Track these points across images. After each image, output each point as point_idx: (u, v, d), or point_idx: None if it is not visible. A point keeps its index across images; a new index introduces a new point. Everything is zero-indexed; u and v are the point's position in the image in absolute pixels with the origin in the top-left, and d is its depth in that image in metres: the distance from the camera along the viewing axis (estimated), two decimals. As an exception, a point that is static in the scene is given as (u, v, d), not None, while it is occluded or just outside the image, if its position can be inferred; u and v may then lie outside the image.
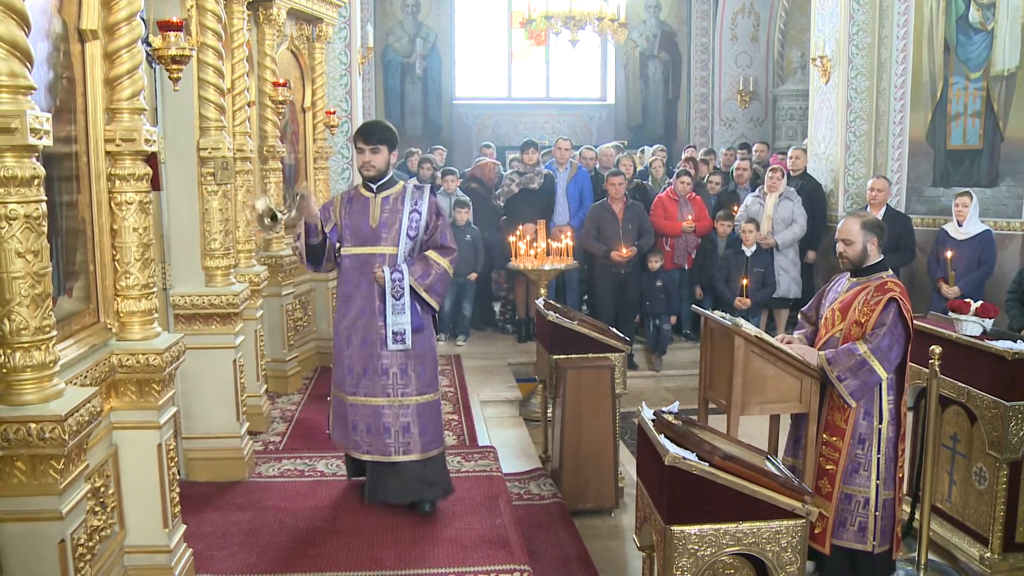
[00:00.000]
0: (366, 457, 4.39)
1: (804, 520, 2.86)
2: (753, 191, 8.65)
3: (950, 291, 6.77)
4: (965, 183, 7.56)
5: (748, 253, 7.95)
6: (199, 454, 4.87)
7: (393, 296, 4.23)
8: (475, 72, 14.64)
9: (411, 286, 4.25)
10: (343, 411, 4.43)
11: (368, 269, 4.29)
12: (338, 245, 4.40)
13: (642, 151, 11.47)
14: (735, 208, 8.58)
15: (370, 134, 4.31)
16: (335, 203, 4.46)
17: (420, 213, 4.33)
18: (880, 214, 7.39)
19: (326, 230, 4.34)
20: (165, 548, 3.51)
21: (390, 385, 4.32)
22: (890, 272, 4.05)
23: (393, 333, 4.26)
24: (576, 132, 14.06)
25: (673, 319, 8.58)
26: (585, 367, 4.99)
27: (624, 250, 7.85)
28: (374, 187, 4.36)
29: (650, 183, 9.49)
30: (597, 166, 9.46)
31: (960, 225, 7.03)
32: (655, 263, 8.16)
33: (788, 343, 4.11)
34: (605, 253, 7.92)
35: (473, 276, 8.43)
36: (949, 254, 6.60)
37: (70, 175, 3.14)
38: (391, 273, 4.23)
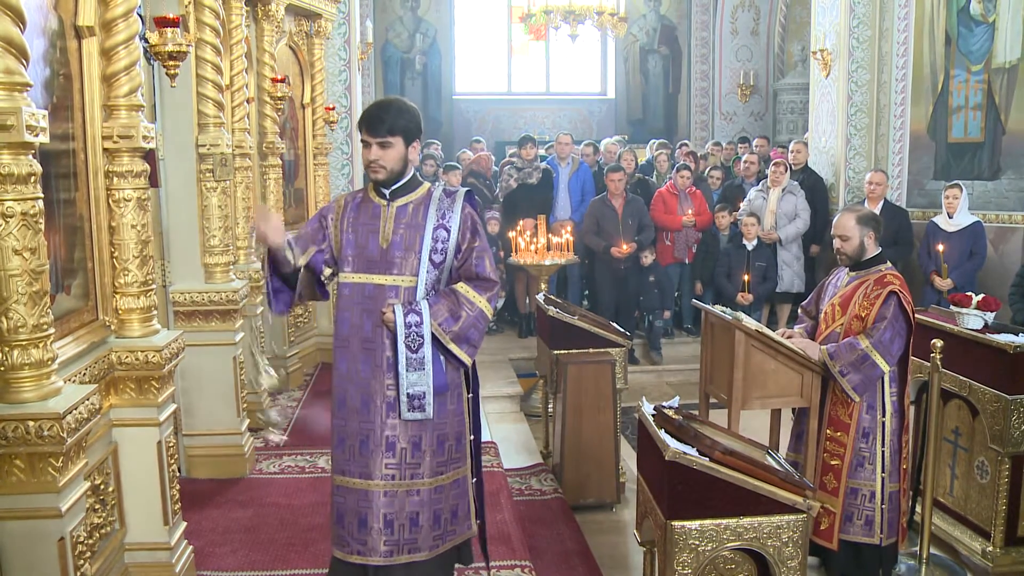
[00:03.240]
0: (354, 559, 3.20)
1: (805, 515, 2.85)
2: (758, 185, 8.64)
3: (943, 284, 6.78)
4: (966, 176, 7.55)
5: (749, 247, 7.93)
6: (200, 451, 4.87)
7: (408, 347, 3.06)
8: (475, 67, 14.60)
9: (433, 334, 3.09)
10: (333, 492, 3.33)
11: (374, 306, 3.13)
12: (327, 272, 3.29)
13: (653, 143, 11.32)
14: (739, 202, 8.57)
15: (377, 122, 3.08)
16: (335, 210, 3.27)
17: (449, 230, 3.15)
18: (878, 208, 7.38)
19: (297, 262, 3.18)
20: (166, 545, 3.51)
21: (395, 465, 3.16)
22: (888, 265, 4.04)
23: (409, 397, 3.09)
24: (576, 127, 14.03)
25: (667, 314, 8.58)
26: (586, 362, 4.98)
27: (624, 246, 7.84)
28: (387, 192, 3.20)
29: (653, 178, 9.47)
30: (601, 160, 9.45)
31: (950, 217, 7.03)
32: (647, 259, 8.15)
33: (789, 337, 4.10)
34: (605, 249, 7.90)
35: None
36: (940, 247, 6.60)
37: (67, 172, 3.13)
38: (405, 315, 3.05)
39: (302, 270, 3.22)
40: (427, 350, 3.08)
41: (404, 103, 3.18)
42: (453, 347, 3.13)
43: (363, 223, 3.20)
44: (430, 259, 3.14)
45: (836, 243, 4.06)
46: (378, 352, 3.14)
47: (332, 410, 3.29)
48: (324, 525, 4.27)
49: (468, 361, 3.20)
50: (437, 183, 3.35)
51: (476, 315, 3.15)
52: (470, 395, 3.34)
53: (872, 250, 4.01)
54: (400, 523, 3.18)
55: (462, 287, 3.17)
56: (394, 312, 3.06)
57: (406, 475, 3.17)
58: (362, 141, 3.15)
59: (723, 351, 4.09)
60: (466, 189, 3.32)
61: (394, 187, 3.18)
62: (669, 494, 2.82)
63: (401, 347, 3.06)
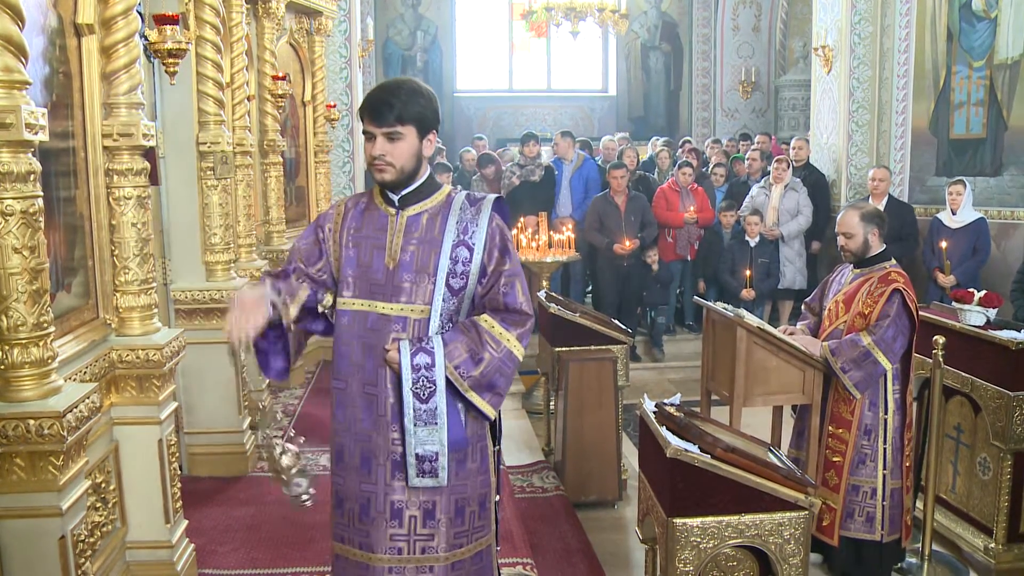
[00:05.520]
0: None
1: (807, 512, 2.85)
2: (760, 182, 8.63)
3: (946, 281, 6.77)
4: (968, 172, 7.53)
5: (752, 244, 7.93)
6: (201, 449, 4.87)
7: (417, 396, 2.45)
8: (476, 65, 14.61)
9: (448, 379, 2.46)
10: (332, 557, 2.82)
11: (377, 340, 2.51)
12: (327, 300, 2.63)
13: (655, 140, 11.33)
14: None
15: (383, 107, 2.43)
16: (333, 219, 2.64)
17: (472, 249, 2.51)
18: (882, 204, 7.37)
19: (288, 317, 2.53)
20: (167, 543, 3.51)
21: (403, 536, 2.57)
22: (893, 262, 4.03)
23: (418, 458, 2.48)
24: (578, 124, 14.03)
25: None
26: (587, 359, 4.98)
27: (627, 242, 7.83)
28: (396, 198, 2.56)
29: (655, 175, 9.46)
30: (599, 157, 9.43)
31: (954, 214, 7.02)
32: (652, 259, 8.13)
33: (791, 334, 4.09)
34: (608, 245, 7.90)
35: None
36: (944, 244, 6.59)
37: (67, 170, 3.13)
38: (413, 355, 2.43)
39: (293, 327, 2.58)
40: (440, 400, 2.45)
41: (418, 84, 2.51)
42: (473, 396, 2.50)
43: (367, 236, 2.57)
44: (447, 284, 2.50)
45: (840, 240, 4.05)
46: (381, 398, 2.52)
47: (330, 464, 2.74)
48: (325, 523, 4.24)
49: (492, 413, 2.56)
50: (458, 189, 2.72)
51: (502, 357, 2.50)
52: (497, 447, 2.73)
53: (876, 247, 4.00)
54: None
55: (486, 321, 2.52)
56: (399, 351, 2.44)
57: (415, 549, 2.58)
58: (364, 132, 2.49)
59: (725, 348, 4.08)
60: (495, 196, 2.63)
61: (405, 192, 2.54)
62: (671, 491, 2.82)
63: (408, 395, 2.44)
